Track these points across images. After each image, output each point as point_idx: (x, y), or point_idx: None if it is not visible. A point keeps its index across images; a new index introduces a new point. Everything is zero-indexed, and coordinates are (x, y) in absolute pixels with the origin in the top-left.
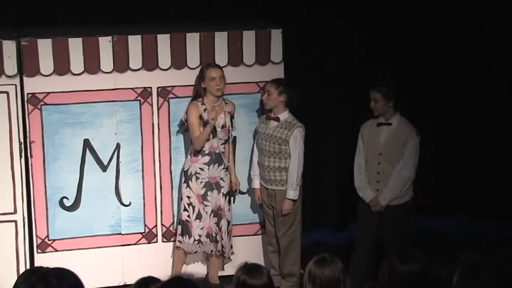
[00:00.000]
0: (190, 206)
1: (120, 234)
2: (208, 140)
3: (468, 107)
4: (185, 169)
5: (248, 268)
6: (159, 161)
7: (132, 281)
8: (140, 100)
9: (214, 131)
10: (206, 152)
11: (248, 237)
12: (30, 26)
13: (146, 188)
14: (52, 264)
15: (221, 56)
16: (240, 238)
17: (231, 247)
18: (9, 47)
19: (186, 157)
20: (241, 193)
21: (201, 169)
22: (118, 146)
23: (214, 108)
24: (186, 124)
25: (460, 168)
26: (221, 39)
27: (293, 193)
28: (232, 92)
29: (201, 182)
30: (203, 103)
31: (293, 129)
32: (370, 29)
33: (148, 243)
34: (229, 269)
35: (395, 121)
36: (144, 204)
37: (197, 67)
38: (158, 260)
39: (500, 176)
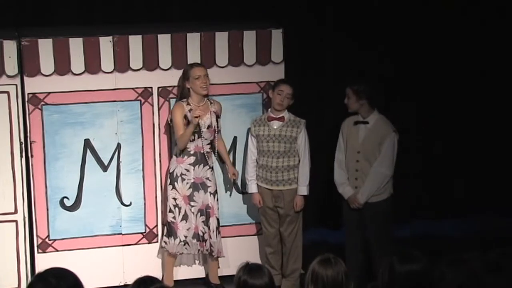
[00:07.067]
0: (176, 208)
1: (120, 234)
2: (193, 140)
3: (465, 107)
4: (170, 171)
5: (249, 268)
6: (160, 161)
7: (132, 281)
8: (140, 100)
9: (199, 132)
10: (192, 152)
11: (247, 237)
12: (31, 26)
13: (147, 188)
14: (52, 264)
15: (221, 56)
16: (240, 238)
17: (219, 249)
18: (10, 47)
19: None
20: (241, 192)
21: (187, 170)
22: (118, 146)
23: (199, 108)
24: (171, 124)
25: (459, 169)
26: (221, 39)
27: (306, 189)
28: (232, 92)
29: (187, 183)
30: (188, 104)
31: (301, 125)
32: (370, 29)
33: (149, 243)
34: (230, 269)
35: (372, 119)
36: (144, 204)
37: None
38: (158, 260)
39: (500, 175)
